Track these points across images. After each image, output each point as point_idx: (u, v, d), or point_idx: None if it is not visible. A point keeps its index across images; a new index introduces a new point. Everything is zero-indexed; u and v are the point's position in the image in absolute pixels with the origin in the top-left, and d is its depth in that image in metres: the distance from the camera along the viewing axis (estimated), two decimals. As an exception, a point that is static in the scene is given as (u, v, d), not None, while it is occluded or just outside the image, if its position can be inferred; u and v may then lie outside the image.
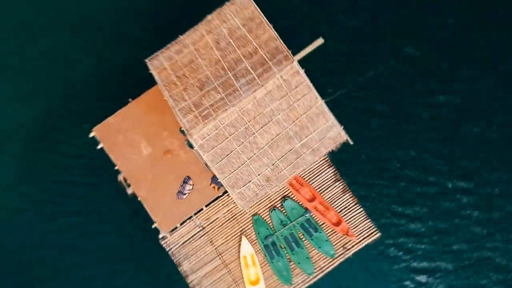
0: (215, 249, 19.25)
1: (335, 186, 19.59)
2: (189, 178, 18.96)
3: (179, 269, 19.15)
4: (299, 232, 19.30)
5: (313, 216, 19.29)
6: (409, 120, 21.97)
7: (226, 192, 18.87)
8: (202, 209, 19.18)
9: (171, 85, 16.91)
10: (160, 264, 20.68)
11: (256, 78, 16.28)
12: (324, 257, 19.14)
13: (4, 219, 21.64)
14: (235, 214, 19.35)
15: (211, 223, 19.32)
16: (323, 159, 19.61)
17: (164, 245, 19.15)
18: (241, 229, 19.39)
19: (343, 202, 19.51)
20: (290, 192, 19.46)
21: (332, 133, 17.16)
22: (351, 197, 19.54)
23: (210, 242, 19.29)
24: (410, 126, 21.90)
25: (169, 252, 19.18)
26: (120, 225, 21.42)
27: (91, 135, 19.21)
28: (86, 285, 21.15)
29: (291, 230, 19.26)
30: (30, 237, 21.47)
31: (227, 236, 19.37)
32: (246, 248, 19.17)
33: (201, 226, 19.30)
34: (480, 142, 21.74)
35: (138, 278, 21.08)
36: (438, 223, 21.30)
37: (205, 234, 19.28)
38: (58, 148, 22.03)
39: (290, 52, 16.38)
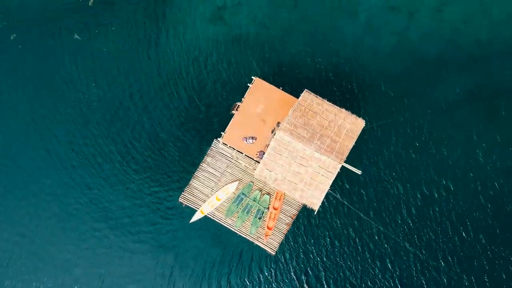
0: (224, 169, 33.29)
1: (287, 218, 33.16)
2: (255, 138, 32.89)
3: (204, 157, 33.27)
4: (253, 209, 32.99)
5: (266, 213, 32.92)
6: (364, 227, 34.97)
7: (257, 162, 32.70)
8: (242, 153, 33.14)
9: (298, 109, 30.89)
10: (198, 149, 34.96)
11: (322, 148, 30.01)
12: (248, 229, 32.83)
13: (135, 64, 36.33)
14: (247, 171, 33.27)
15: (236, 161, 33.31)
16: (299, 205, 33.14)
17: (213, 143, 33.35)
18: (240, 178, 33.27)
19: (281, 226, 33.04)
20: (274, 195, 33.15)
21: (315, 200, 30.73)
22: (286, 228, 33.06)
23: (227, 165, 33.33)
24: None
25: (210, 148, 33.35)
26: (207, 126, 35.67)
27: (254, 77, 33.43)
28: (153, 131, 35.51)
29: (253, 205, 32.98)
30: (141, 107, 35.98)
31: (233, 173, 33.33)
32: (232, 187, 33.06)
33: (232, 157, 33.29)
34: None
35: (190, 148, 35.26)
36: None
37: (229, 160, 33.32)
38: (223, 67, 36.31)
39: (343, 159, 29.99)
